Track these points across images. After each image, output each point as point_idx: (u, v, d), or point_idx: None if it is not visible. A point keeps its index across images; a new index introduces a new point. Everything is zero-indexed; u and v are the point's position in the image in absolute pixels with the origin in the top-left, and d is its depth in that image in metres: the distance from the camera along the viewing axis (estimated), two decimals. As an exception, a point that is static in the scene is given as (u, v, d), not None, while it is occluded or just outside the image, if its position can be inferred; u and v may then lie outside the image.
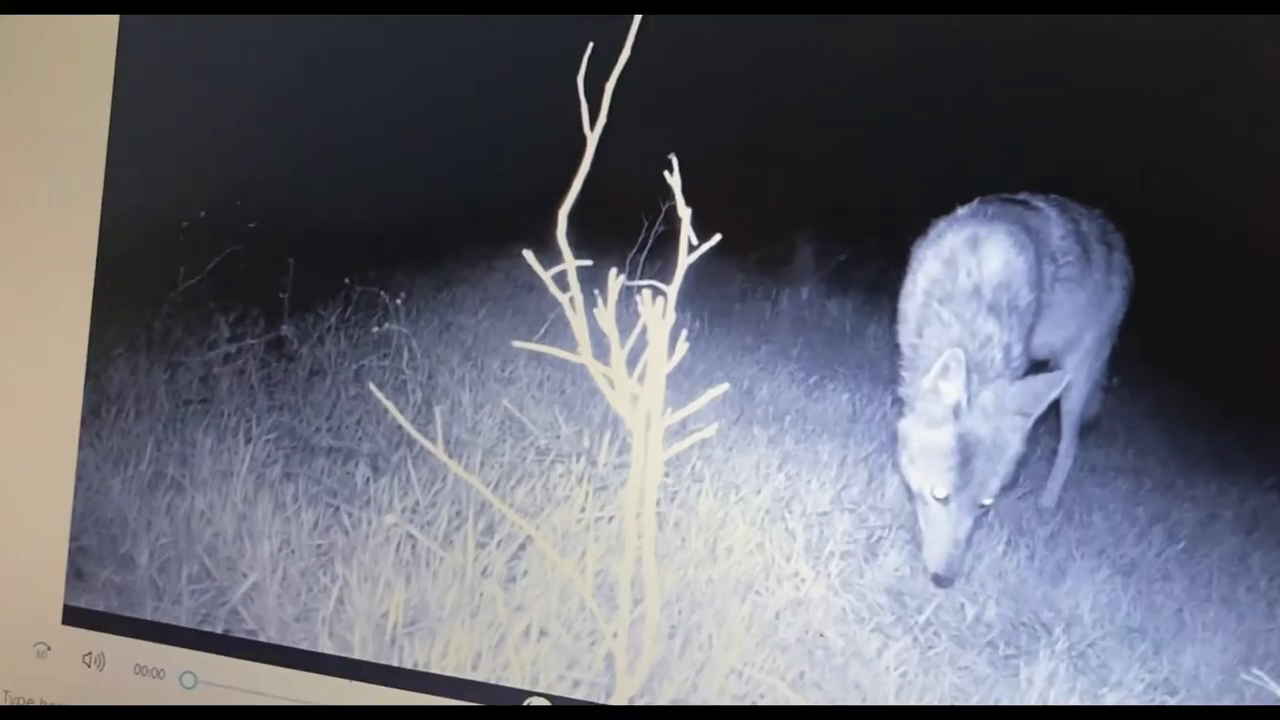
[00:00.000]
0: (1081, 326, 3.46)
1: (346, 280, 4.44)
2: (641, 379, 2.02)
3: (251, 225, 4.55)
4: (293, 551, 2.68)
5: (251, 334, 3.94)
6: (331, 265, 4.62)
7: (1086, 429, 3.88)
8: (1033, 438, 3.37)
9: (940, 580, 2.84)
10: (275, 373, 3.83)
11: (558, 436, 3.48)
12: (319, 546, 2.75)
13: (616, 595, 2.32)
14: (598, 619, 2.33)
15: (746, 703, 2.29)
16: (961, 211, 3.23)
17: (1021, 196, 3.35)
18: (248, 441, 3.22)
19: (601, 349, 2.04)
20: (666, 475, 2.98)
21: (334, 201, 5.01)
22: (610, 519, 2.81)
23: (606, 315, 1.99)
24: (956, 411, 2.89)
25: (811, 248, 6.17)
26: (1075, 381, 3.73)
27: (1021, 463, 2.91)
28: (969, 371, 2.82)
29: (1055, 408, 3.72)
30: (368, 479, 3.29)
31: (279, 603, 2.52)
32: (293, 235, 4.61)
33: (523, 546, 2.74)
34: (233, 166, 4.53)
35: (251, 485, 2.98)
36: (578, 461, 3.24)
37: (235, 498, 2.90)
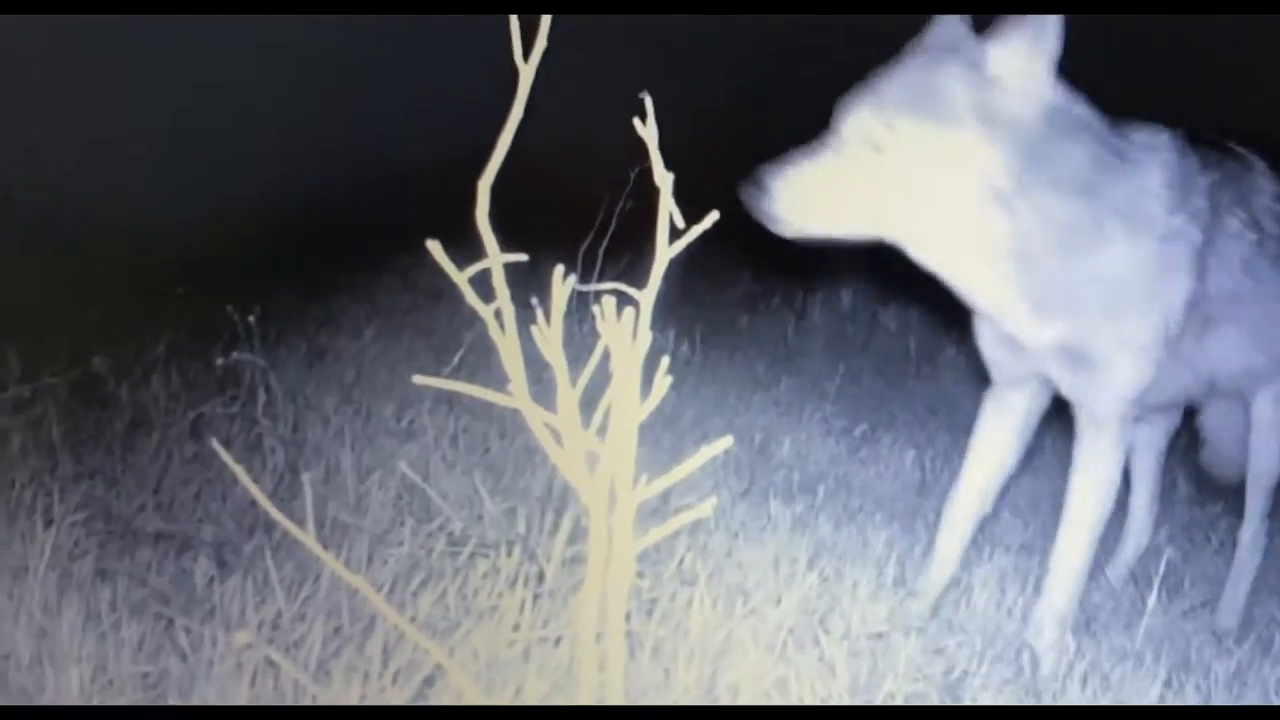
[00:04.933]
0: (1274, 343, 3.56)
1: (179, 291, 4.42)
2: (603, 432, 1.96)
3: (46, 212, 4.51)
4: (111, 682, 2.64)
5: (50, 370, 3.92)
6: (158, 270, 4.59)
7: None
8: (1204, 523, 3.47)
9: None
10: (84, 425, 3.80)
11: (480, 518, 3.44)
12: (146, 676, 2.70)
13: (567, 759, 2.21)
14: (539, 796, 2.27)
15: None
16: None
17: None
18: (48, 524, 3.17)
19: (543, 386, 1.98)
20: (641, 576, 2.95)
21: (159, 177, 4.98)
22: (558, 641, 2.76)
23: (550, 336, 1.92)
24: None
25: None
26: (1265, 434, 3.82)
27: None
28: None
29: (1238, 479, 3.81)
30: (211, 579, 3.23)
31: (91, 757, 2.47)
32: (103, 227, 4.56)
33: (430, 680, 2.69)
34: (17, 130, 4.49)
35: (54, 586, 2.91)
36: (509, 555, 3.15)
37: (32, 604, 2.82)
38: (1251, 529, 3.89)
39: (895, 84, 3.00)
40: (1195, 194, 3.18)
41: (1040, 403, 3.46)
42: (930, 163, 2.97)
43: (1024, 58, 2.95)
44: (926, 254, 3.13)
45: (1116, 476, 3.31)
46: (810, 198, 3.00)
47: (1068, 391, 3.30)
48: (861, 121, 2.99)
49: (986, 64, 2.97)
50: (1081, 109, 3.10)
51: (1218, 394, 3.74)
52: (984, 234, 3.03)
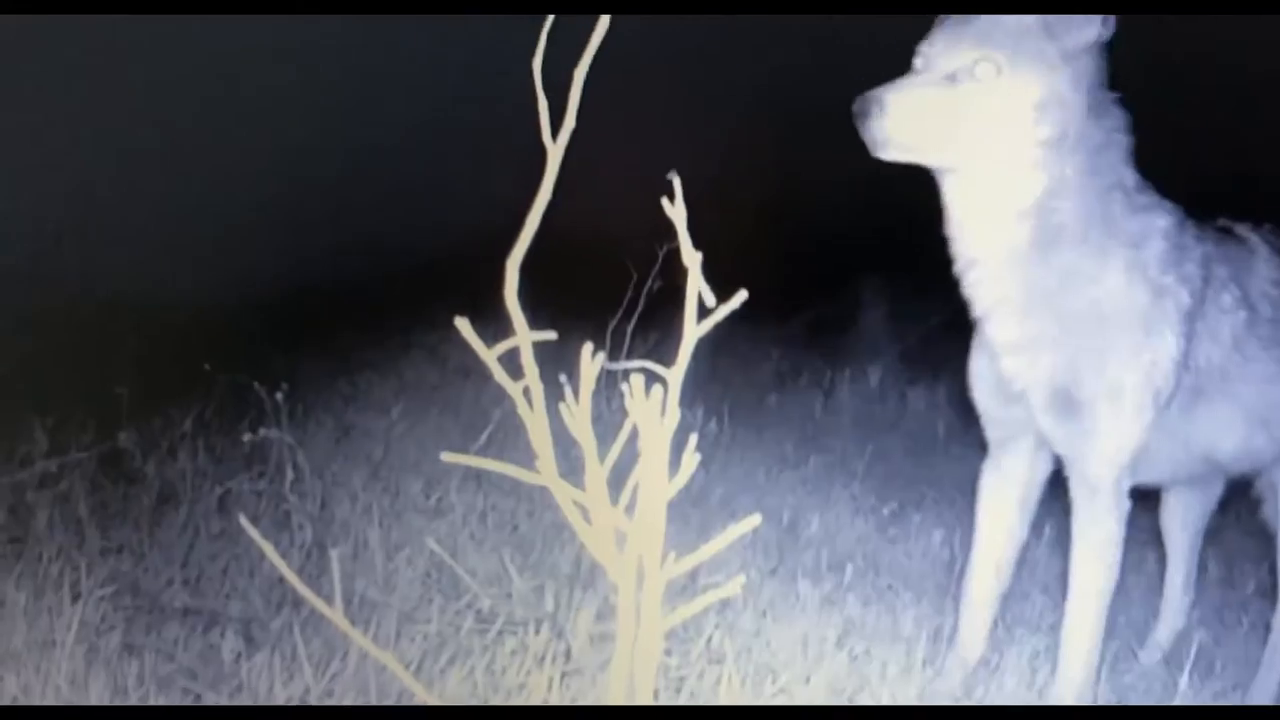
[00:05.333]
0: None
1: (206, 367, 4.44)
2: (631, 509, 1.95)
3: (74, 288, 4.53)
4: (138, 757, 2.71)
5: (78, 445, 3.93)
6: (185, 345, 4.61)
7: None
8: (1236, 605, 3.46)
9: None
10: (111, 500, 3.81)
11: (508, 595, 3.43)
12: (174, 752, 2.78)
13: (594, 839, 2.21)
14: None
15: None
16: None
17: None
18: (75, 598, 3.18)
19: (571, 464, 1.98)
20: (669, 654, 2.94)
21: (187, 253, 5.00)
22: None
23: (578, 413, 1.93)
24: None
25: (884, 307, 6.15)
26: None
27: None
28: None
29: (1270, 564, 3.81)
30: (239, 655, 3.22)
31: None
32: (132, 302, 4.59)
33: (456, 760, 2.70)
34: (48, 205, 4.52)
35: (81, 660, 2.91)
36: (537, 632, 3.13)
37: (59, 678, 2.83)
38: None
39: (985, 23, 3.09)
40: (1188, 260, 3.24)
41: (1039, 471, 3.46)
42: (1016, 96, 3.05)
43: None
44: (967, 194, 3.17)
45: (1118, 545, 3.29)
46: (917, 121, 3.05)
47: (1059, 446, 3.30)
48: (962, 54, 3.06)
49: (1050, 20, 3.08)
50: (1123, 115, 3.20)
51: (1230, 474, 3.75)
52: (1020, 185, 3.10)
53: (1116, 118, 3.17)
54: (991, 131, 3.05)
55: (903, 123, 3.02)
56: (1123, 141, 3.17)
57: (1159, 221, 3.21)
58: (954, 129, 3.05)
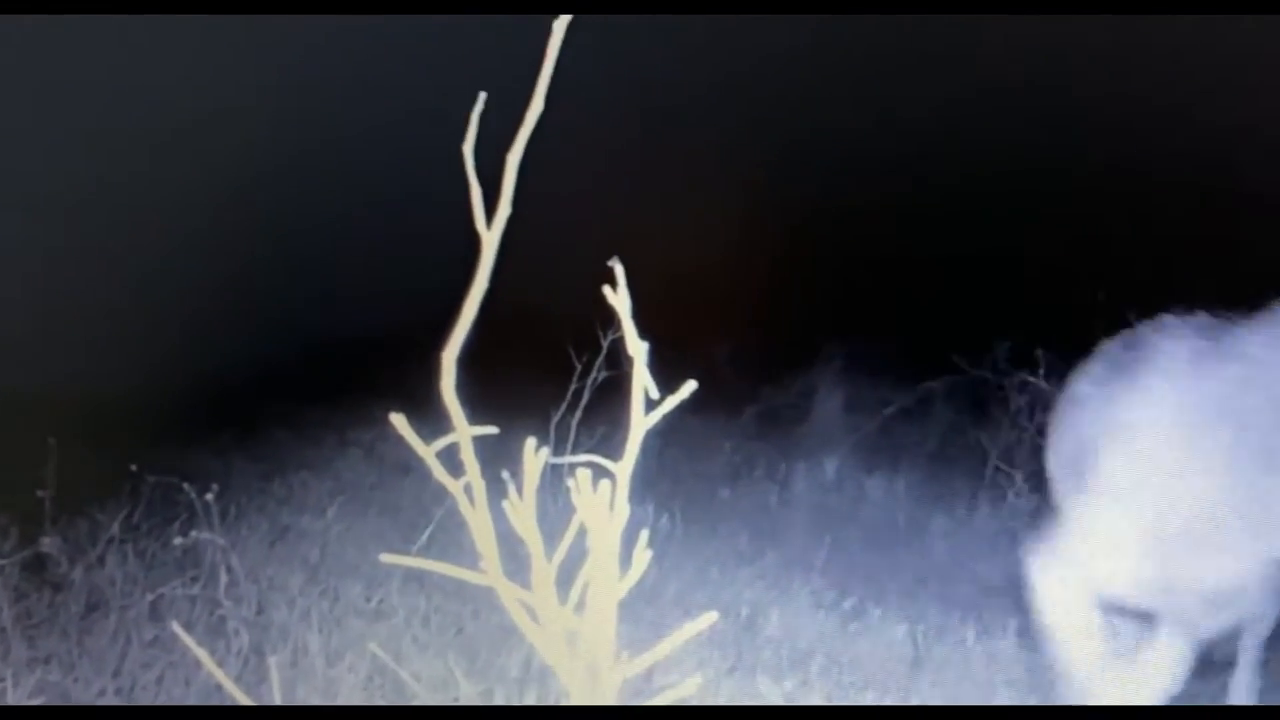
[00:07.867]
0: None
1: (133, 468, 4.39)
2: (581, 608, 1.92)
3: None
4: None
5: (0, 550, 3.89)
6: (111, 445, 4.56)
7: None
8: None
9: None
10: (37, 608, 3.77)
11: (455, 699, 3.39)
12: None
13: None
14: None
15: None
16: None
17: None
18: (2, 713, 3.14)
19: (517, 562, 1.96)
20: (623, 760, 2.91)
21: (110, 349, 4.96)
22: (538, 831, 2.71)
23: (523, 511, 1.90)
24: None
25: (840, 396, 6.13)
26: None
27: None
28: None
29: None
30: (175, 767, 3.19)
31: None
32: (53, 401, 4.54)
33: None
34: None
35: (11, 779, 2.89)
36: (485, 740, 3.12)
37: (-14, 796, 2.81)
38: None
39: None
40: None
41: None
42: None
43: None
44: None
45: None
46: None
47: None
48: None
49: None
50: None
51: None
52: None
53: None
54: None
55: None
56: None
57: None
58: None
